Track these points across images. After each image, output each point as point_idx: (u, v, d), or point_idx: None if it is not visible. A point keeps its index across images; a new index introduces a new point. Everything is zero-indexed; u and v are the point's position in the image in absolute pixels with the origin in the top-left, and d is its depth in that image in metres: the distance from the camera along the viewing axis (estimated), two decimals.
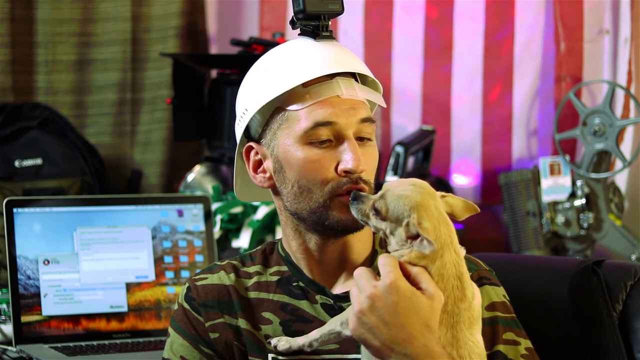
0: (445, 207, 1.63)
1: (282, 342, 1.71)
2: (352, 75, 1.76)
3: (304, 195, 1.73)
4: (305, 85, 1.72)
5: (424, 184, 1.63)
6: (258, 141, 1.78)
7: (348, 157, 1.70)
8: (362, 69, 1.77)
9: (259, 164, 1.79)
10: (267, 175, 1.78)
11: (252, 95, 1.76)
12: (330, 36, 1.77)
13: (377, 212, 1.62)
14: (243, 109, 1.78)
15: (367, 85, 1.78)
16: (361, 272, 1.59)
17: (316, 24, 1.76)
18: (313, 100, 1.71)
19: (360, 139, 1.74)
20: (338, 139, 1.72)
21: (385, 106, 1.79)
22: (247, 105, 1.77)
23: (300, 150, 1.72)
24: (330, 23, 1.77)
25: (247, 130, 1.79)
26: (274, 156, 1.75)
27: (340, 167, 1.71)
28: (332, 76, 1.73)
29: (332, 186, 1.71)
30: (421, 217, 1.57)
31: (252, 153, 1.79)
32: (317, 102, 1.71)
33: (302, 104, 1.72)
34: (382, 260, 1.58)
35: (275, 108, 1.74)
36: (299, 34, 1.79)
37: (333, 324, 1.65)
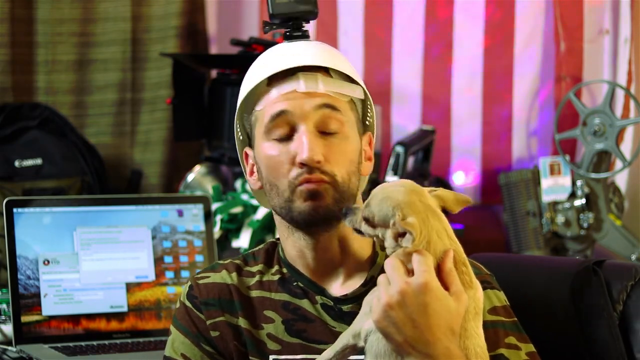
0: (437, 201, 1.62)
1: None
2: (326, 71, 1.74)
3: (274, 191, 1.74)
4: (269, 85, 1.73)
5: (408, 182, 1.62)
6: (251, 146, 1.81)
7: (301, 148, 1.70)
8: (332, 63, 1.74)
9: (252, 167, 1.81)
10: (256, 177, 1.80)
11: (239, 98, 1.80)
12: (303, 36, 1.76)
13: (367, 220, 1.62)
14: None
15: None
16: (394, 264, 1.56)
17: (288, 26, 1.76)
18: (273, 96, 1.72)
19: (324, 133, 1.72)
20: (295, 131, 1.72)
21: (361, 97, 1.76)
22: (236, 111, 1.80)
23: (265, 147, 1.74)
24: (304, 24, 1.76)
25: (248, 135, 1.82)
26: (255, 158, 1.78)
27: (297, 159, 1.70)
28: (295, 72, 1.72)
29: (291, 178, 1.71)
30: (406, 213, 1.57)
31: (249, 158, 1.82)
32: (276, 98, 1.72)
33: (264, 102, 1.73)
34: (418, 258, 1.55)
35: (251, 111, 1.77)
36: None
37: (345, 339, 1.63)
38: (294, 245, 1.79)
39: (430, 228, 1.57)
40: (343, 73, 1.75)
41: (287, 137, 1.72)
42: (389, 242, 1.59)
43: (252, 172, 1.81)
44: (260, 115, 1.74)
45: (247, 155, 1.82)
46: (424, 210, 1.58)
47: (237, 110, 1.79)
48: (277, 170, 1.72)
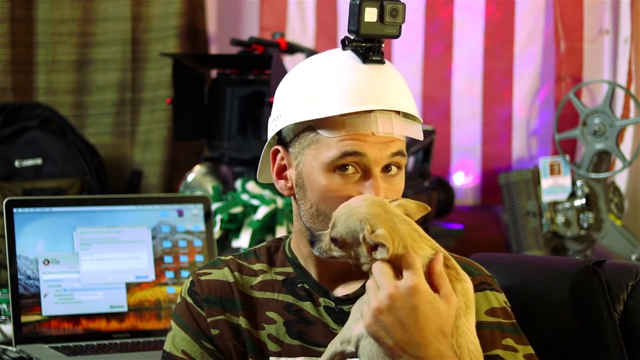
0: (401, 209, 1.62)
1: None
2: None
3: (321, 219, 1.72)
4: (342, 114, 1.69)
5: (367, 196, 1.63)
6: (287, 146, 1.76)
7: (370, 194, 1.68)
8: (404, 105, 1.72)
9: (283, 169, 1.77)
10: (289, 184, 1.76)
11: (289, 104, 1.74)
12: (381, 60, 1.71)
13: (336, 242, 1.61)
14: (278, 112, 1.76)
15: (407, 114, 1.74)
16: (381, 268, 1.56)
17: (368, 46, 1.71)
18: (347, 132, 1.68)
19: (387, 169, 1.71)
20: (365, 172, 1.70)
21: (422, 139, 1.76)
22: (282, 111, 1.74)
23: (324, 176, 1.70)
24: (383, 45, 1.71)
25: (279, 130, 1.77)
26: (299, 170, 1.74)
27: None
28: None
29: None
30: (373, 225, 1.56)
31: (279, 157, 1.77)
32: (350, 135, 1.68)
33: (335, 132, 1.69)
34: (407, 260, 1.56)
35: (308, 125, 1.72)
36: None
37: (334, 346, 1.63)
38: (312, 253, 1.75)
39: (401, 233, 1.57)
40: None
41: (353, 173, 1.70)
42: (363, 258, 1.59)
43: (280, 173, 1.78)
44: (325, 142, 1.70)
45: (276, 152, 1.78)
46: (390, 219, 1.58)
47: (289, 118, 1.72)
48: (336, 204, 1.67)
